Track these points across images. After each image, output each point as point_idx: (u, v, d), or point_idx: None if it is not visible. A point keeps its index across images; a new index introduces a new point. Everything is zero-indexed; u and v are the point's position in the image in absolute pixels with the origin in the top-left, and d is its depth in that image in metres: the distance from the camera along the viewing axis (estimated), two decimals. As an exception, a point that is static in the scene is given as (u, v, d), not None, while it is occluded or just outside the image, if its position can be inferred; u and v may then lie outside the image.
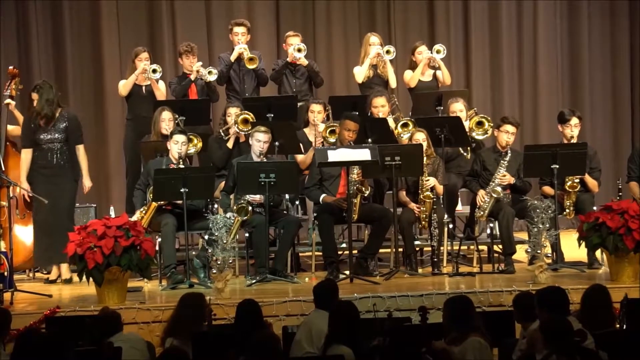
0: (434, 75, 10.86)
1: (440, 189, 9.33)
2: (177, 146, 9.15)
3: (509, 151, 9.42)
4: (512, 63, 12.77)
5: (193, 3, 12.35)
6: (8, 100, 9.56)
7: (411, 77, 10.78)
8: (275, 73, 10.80)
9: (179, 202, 8.87)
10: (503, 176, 9.33)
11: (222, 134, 9.99)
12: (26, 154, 9.18)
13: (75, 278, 8.77)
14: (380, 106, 10.14)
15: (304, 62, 10.69)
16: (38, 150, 9.15)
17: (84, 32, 12.21)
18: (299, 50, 10.63)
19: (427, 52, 10.78)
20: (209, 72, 10.51)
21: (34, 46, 12.06)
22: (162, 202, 9.01)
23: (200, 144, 9.91)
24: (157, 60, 11.17)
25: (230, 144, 9.96)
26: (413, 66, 10.83)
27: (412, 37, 12.31)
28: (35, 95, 9.16)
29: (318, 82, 10.94)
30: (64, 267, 9.13)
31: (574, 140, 9.47)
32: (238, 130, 9.84)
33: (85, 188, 9.38)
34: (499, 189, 9.29)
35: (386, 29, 12.48)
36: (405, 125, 9.95)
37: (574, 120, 9.51)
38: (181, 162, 9.14)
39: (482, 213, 9.34)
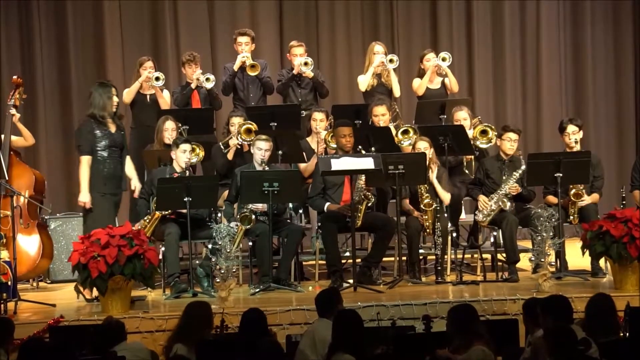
0: (443, 83, 10.85)
1: (443, 195, 9.33)
2: (185, 155, 9.14)
3: (522, 161, 9.33)
4: (515, 70, 12.75)
5: (196, 9, 12.36)
6: (13, 111, 9.49)
7: (419, 85, 10.76)
8: (281, 85, 10.79)
9: (183, 211, 8.88)
10: (514, 187, 9.28)
11: (222, 146, 9.97)
12: (88, 161, 8.74)
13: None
14: (380, 115, 10.10)
15: (310, 74, 10.69)
16: (101, 159, 8.77)
17: (87, 40, 12.23)
18: (306, 64, 10.63)
19: (435, 59, 10.76)
20: (207, 79, 10.50)
21: (37, 54, 12.09)
22: (165, 211, 9.02)
23: (202, 153, 9.92)
24: (160, 67, 11.18)
25: (230, 156, 9.93)
26: (421, 74, 10.80)
27: (415, 44, 12.36)
28: (114, 91, 8.87)
29: (324, 93, 10.93)
30: None
31: (577, 148, 9.47)
32: (240, 141, 9.84)
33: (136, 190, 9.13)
34: (506, 199, 9.23)
35: (389, 36, 12.48)
36: (405, 132, 9.94)
37: (571, 128, 9.46)
38: (185, 172, 9.13)
39: (483, 217, 9.30)
